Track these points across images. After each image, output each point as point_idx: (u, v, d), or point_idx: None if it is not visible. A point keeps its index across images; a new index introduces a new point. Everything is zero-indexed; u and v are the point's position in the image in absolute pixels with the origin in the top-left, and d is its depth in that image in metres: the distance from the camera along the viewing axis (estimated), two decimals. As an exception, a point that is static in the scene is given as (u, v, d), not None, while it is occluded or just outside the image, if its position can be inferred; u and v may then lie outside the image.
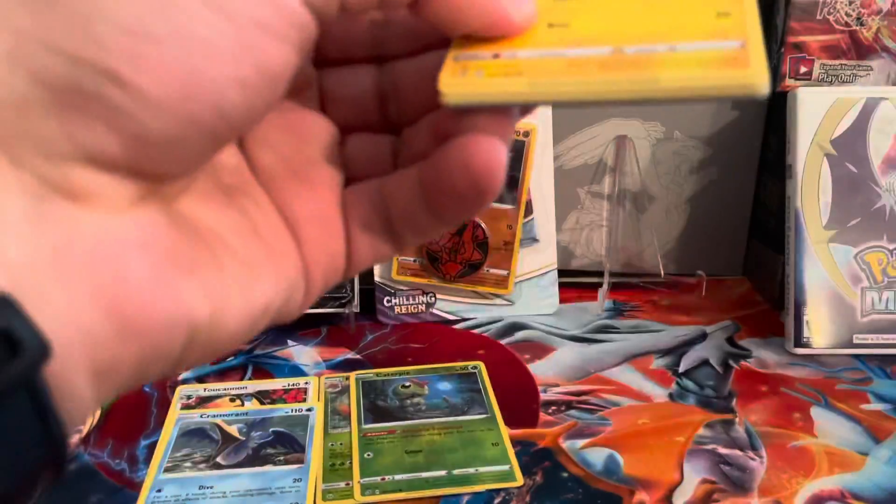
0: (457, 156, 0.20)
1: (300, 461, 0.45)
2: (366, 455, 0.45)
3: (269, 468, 0.44)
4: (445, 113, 0.21)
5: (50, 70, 0.15)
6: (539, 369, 0.55)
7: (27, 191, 0.16)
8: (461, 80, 0.20)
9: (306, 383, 0.53)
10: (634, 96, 0.19)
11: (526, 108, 0.23)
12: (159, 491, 0.42)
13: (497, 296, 0.62)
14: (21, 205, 0.16)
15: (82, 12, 0.16)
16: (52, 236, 0.16)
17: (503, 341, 0.58)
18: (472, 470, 0.44)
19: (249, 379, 0.54)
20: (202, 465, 0.44)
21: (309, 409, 0.49)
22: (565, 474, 0.44)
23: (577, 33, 0.20)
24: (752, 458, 0.45)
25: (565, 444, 0.46)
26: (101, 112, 0.16)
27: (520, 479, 0.43)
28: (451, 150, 0.20)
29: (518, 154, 0.58)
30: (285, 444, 0.46)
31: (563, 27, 0.20)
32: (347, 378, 0.53)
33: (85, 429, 0.48)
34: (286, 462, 0.45)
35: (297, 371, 0.55)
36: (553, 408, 0.50)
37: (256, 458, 0.45)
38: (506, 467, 0.44)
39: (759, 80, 0.18)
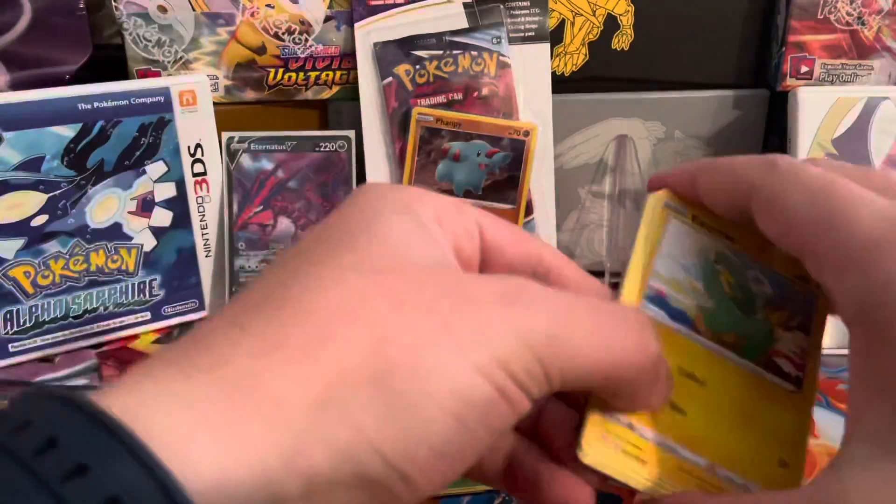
0: (561, 493, 0.25)
1: (299, 461, 0.44)
2: (365, 455, 0.45)
3: (268, 468, 0.44)
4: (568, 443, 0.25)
5: (367, 465, 0.19)
6: (539, 369, 0.54)
7: None
8: (601, 446, 0.24)
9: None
10: None
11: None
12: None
13: (497, 296, 0.61)
14: None
15: (409, 430, 0.19)
16: None
17: (503, 341, 0.58)
18: (471, 470, 0.44)
19: (249, 379, 0.54)
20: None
21: (308, 410, 0.49)
22: (565, 475, 0.44)
23: (689, 429, 0.25)
24: (753, 459, 0.45)
25: (565, 445, 0.46)
26: (380, 493, 0.20)
27: (520, 480, 0.43)
28: (560, 486, 0.25)
29: (518, 154, 0.58)
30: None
31: (682, 415, 0.25)
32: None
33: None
34: (285, 462, 0.44)
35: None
36: (553, 408, 0.50)
37: (255, 459, 0.45)
38: (506, 468, 0.44)
39: None
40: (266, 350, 0.19)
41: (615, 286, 0.28)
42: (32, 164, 0.53)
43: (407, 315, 0.20)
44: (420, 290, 0.21)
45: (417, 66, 0.58)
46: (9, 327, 0.55)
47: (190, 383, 0.18)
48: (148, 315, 0.59)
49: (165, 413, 0.18)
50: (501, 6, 0.58)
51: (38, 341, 0.56)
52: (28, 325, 0.55)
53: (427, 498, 0.21)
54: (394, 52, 0.58)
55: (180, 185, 0.58)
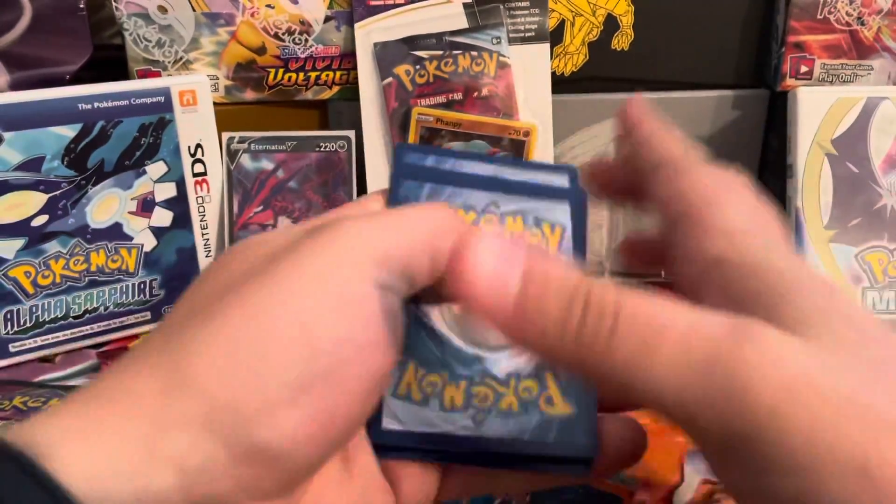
0: None
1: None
2: (365, 455, 0.45)
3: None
4: None
5: (232, 433, 0.19)
6: (539, 369, 0.54)
7: None
8: None
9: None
10: None
11: None
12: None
13: (497, 296, 0.61)
14: None
15: (259, 373, 0.20)
16: None
17: (503, 341, 0.58)
18: (471, 470, 0.44)
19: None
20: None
21: (308, 410, 0.49)
22: (565, 475, 0.44)
23: None
24: (753, 459, 0.45)
25: (565, 445, 0.46)
26: (262, 461, 0.20)
27: (520, 480, 0.43)
28: None
29: (518, 154, 0.58)
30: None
31: None
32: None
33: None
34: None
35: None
36: (553, 408, 0.50)
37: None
38: (506, 467, 0.44)
39: None
40: (123, 363, 0.21)
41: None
42: (33, 164, 0.53)
43: (245, 288, 0.22)
44: (254, 256, 0.23)
45: (417, 67, 0.58)
46: (9, 327, 0.55)
47: (65, 403, 0.20)
48: (148, 315, 0.59)
49: (40, 425, 0.19)
50: (501, 6, 0.58)
51: (39, 341, 0.56)
52: (28, 325, 0.55)
53: (314, 447, 0.21)
54: (394, 52, 0.58)
55: (180, 186, 0.58)
